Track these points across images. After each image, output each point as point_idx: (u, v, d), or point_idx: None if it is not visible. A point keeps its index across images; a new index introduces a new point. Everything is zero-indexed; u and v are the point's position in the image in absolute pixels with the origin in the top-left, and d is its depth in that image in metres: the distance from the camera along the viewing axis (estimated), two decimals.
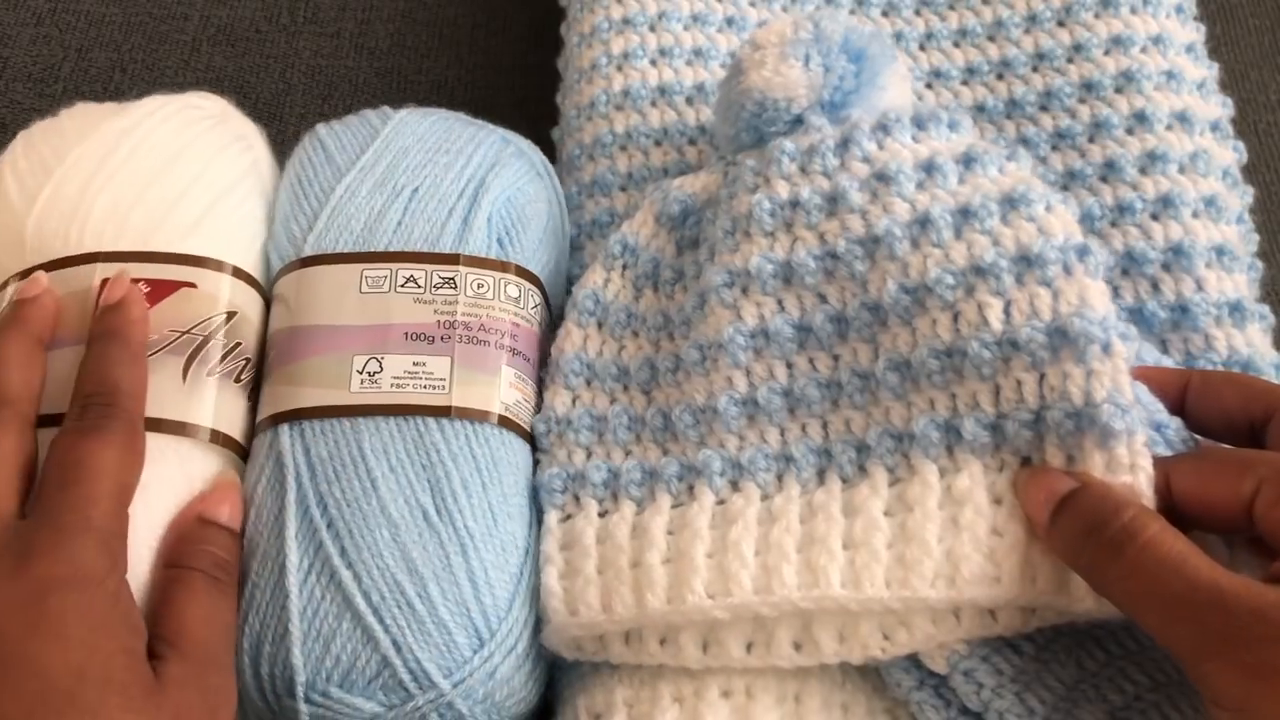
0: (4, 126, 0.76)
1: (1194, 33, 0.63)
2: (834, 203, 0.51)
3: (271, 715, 0.50)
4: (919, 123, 0.52)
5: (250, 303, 0.56)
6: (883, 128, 0.52)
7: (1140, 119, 0.59)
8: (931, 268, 0.49)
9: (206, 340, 0.54)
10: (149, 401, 0.51)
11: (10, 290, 0.54)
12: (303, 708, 0.49)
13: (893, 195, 0.50)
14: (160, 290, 0.54)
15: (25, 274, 0.54)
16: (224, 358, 0.54)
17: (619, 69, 0.64)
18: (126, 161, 0.56)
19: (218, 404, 0.53)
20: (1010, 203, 0.49)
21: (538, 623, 0.52)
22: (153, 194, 0.55)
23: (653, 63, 0.64)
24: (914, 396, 0.50)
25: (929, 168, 0.51)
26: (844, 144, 0.52)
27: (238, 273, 0.56)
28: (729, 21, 0.66)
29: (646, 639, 0.50)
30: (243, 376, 0.55)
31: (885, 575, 0.47)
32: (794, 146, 0.52)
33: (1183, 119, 0.59)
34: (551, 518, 0.53)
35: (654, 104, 0.63)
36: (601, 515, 0.52)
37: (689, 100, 0.63)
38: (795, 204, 0.52)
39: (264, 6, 0.81)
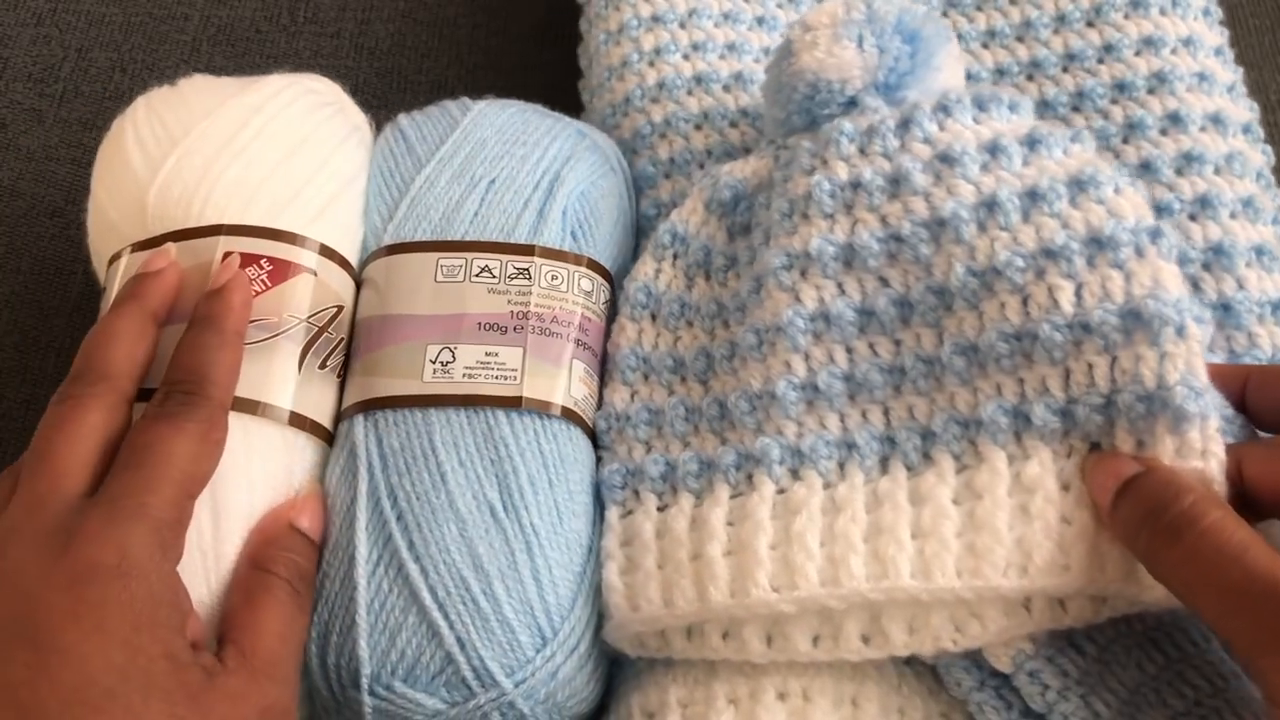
0: (4, 126, 0.75)
1: (1220, 36, 0.63)
2: (896, 184, 0.50)
3: (336, 705, 0.49)
4: (980, 104, 0.52)
5: (351, 298, 0.56)
6: (943, 108, 0.51)
7: (1174, 120, 0.58)
8: (1000, 250, 0.48)
9: (322, 331, 0.53)
10: (264, 387, 0.51)
11: (125, 259, 0.53)
12: (366, 700, 0.48)
13: (957, 177, 0.49)
14: (281, 271, 0.53)
15: (146, 244, 0.53)
16: (333, 351, 0.54)
17: (651, 64, 0.63)
18: (254, 140, 0.55)
19: (321, 396, 0.53)
20: (1078, 185, 0.48)
21: (600, 622, 0.51)
22: (279, 176, 0.55)
23: (685, 57, 0.63)
24: (980, 382, 0.48)
25: (993, 149, 0.50)
26: (904, 125, 0.51)
27: (345, 265, 0.55)
28: (759, 21, 0.65)
29: (709, 634, 0.49)
30: (342, 372, 0.55)
31: (956, 565, 0.46)
32: (852, 127, 0.51)
33: (1216, 121, 0.58)
34: (612, 514, 0.52)
35: (690, 92, 0.62)
36: (660, 509, 0.51)
37: (726, 88, 0.62)
38: (856, 185, 0.51)
39: (264, 6, 0.80)
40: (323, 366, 0.53)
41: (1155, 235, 0.47)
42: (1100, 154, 0.58)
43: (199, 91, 0.57)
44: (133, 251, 0.54)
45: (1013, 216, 0.48)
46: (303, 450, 0.52)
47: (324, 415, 0.53)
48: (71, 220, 0.72)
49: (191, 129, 0.55)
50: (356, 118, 0.61)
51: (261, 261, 0.52)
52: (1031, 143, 0.50)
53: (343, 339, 0.55)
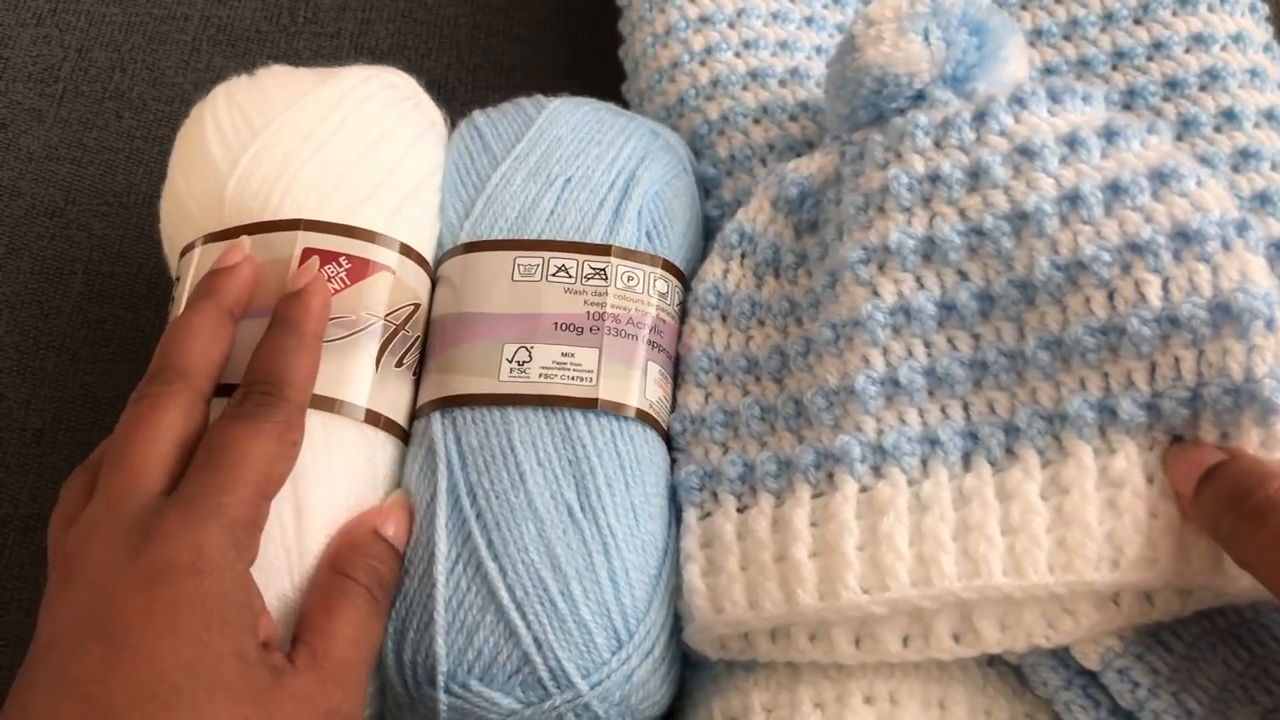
0: (4, 126, 0.75)
1: (1267, 32, 0.63)
2: (975, 178, 0.50)
3: (410, 702, 0.49)
4: (1054, 95, 0.52)
5: (427, 295, 0.56)
6: (1018, 100, 0.51)
7: (1229, 117, 0.59)
8: (1085, 245, 0.48)
9: (398, 330, 0.53)
10: (342, 385, 0.51)
11: (199, 250, 0.53)
12: (442, 698, 0.48)
13: (1037, 170, 0.49)
14: (360, 270, 0.53)
15: (221, 235, 0.54)
16: (409, 349, 0.54)
17: (703, 64, 0.63)
18: (335, 133, 0.55)
19: (396, 394, 0.53)
20: (1160, 178, 0.48)
21: (675, 626, 0.51)
22: (358, 171, 0.55)
23: (738, 55, 0.63)
24: (1063, 376, 0.48)
25: (1071, 142, 0.50)
26: (980, 118, 0.51)
27: (421, 262, 0.55)
28: (808, 21, 0.65)
29: (796, 636, 0.48)
30: (418, 370, 0.55)
31: (1048, 560, 0.46)
32: (927, 120, 0.51)
33: (1270, 117, 0.59)
34: (690, 515, 0.52)
35: (745, 88, 0.62)
36: (740, 510, 0.51)
37: (782, 83, 0.62)
38: (935, 179, 0.50)
39: (264, 6, 0.80)
40: (399, 364, 0.53)
41: (1242, 228, 0.47)
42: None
43: (279, 82, 0.57)
44: (205, 243, 0.53)
45: (1095, 210, 0.48)
46: (382, 446, 0.52)
47: (399, 413, 0.53)
48: (72, 220, 0.72)
49: (272, 120, 0.55)
50: (433, 113, 0.61)
51: (340, 259, 0.52)
52: (1109, 135, 0.50)
53: (418, 337, 0.54)
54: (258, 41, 0.78)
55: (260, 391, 0.48)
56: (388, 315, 0.53)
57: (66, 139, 0.74)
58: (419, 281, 0.55)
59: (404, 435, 0.53)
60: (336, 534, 0.49)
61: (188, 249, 0.54)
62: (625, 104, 0.68)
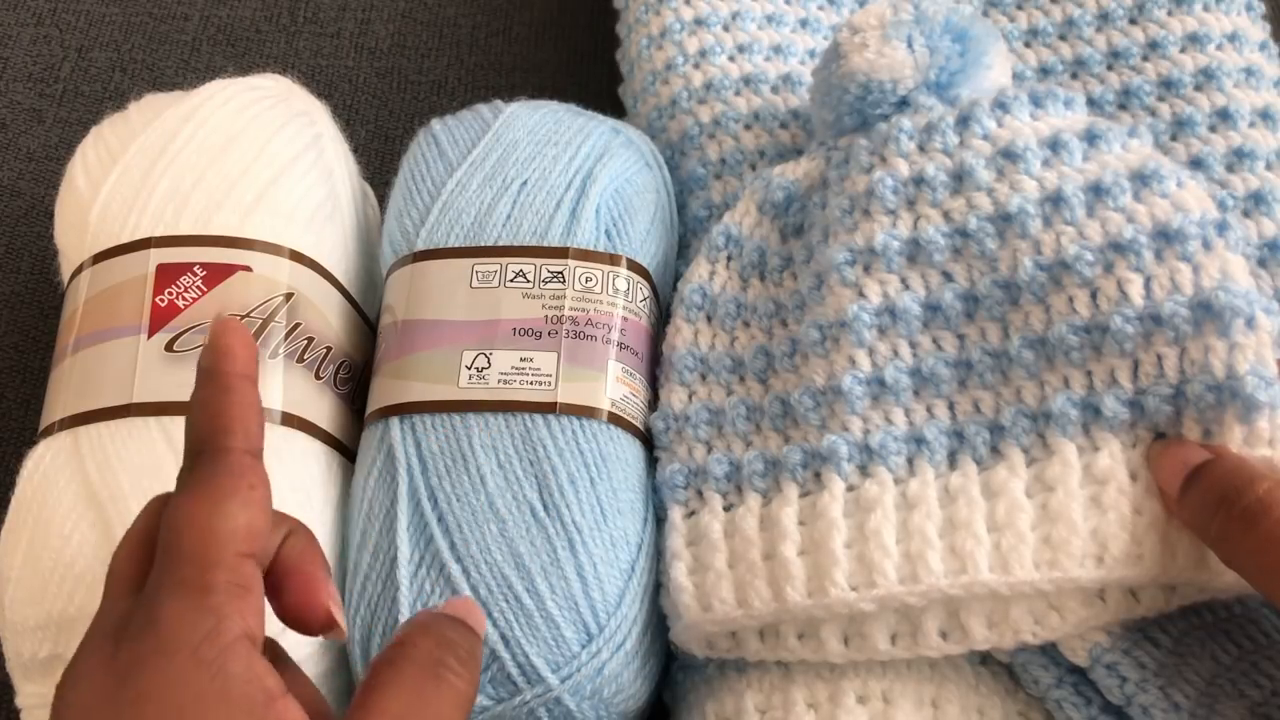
0: (4, 126, 0.78)
1: (1263, 31, 0.66)
2: (959, 180, 0.54)
3: None
4: (1036, 100, 0.55)
5: (310, 284, 0.58)
6: (1001, 105, 0.55)
7: (1223, 116, 0.62)
8: (1067, 245, 0.51)
9: (267, 323, 0.56)
10: None
11: (85, 275, 0.57)
12: None
13: (1020, 173, 0.53)
14: (216, 274, 0.56)
15: (92, 260, 0.57)
16: (285, 338, 0.56)
17: (696, 66, 0.66)
18: (186, 146, 0.58)
19: (286, 386, 0.56)
20: (1141, 179, 0.52)
21: (651, 621, 0.53)
22: (211, 176, 0.58)
23: (731, 59, 0.67)
24: (1048, 375, 0.51)
25: (1053, 145, 0.53)
26: (963, 122, 0.54)
27: (295, 255, 0.58)
28: (803, 23, 0.69)
29: (785, 634, 0.51)
30: (306, 356, 0.57)
31: (1034, 557, 0.48)
32: (911, 125, 0.55)
33: (1265, 116, 0.62)
34: (675, 514, 0.54)
35: (738, 93, 0.65)
36: (727, 509, 0.54)
37: (774, 90, 0.65)
38: (919, 181, 0.54)
39: (264, 6, 0.84)
40: (275, 356, 0.56)
41: (1222, 228, 0.50)
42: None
43: (142, 110, 0.61)
44: (75, 275, 0.58)
45: (1078, 211, 0.51)
46: (280, 441, 0.54)
47: (294, 404, 0.56)
48: None
49: (130, 146, 0.59)
50: (305, 104, 0.64)
51: (195, 269, 0.56)
52: (1091, 138, 0.53)
53: (298, 324, 0.57)
54: (258, 41, 0.82)
55: (196, 451, 0.43)
56: (251, 311, 0.56)
57: (66, 139, 0.77)
58: (292, 273, 0.58)
59: (307, 426, 0.56)
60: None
61: (73, 278, 0.59)
62: (621, 106, 0.72)
